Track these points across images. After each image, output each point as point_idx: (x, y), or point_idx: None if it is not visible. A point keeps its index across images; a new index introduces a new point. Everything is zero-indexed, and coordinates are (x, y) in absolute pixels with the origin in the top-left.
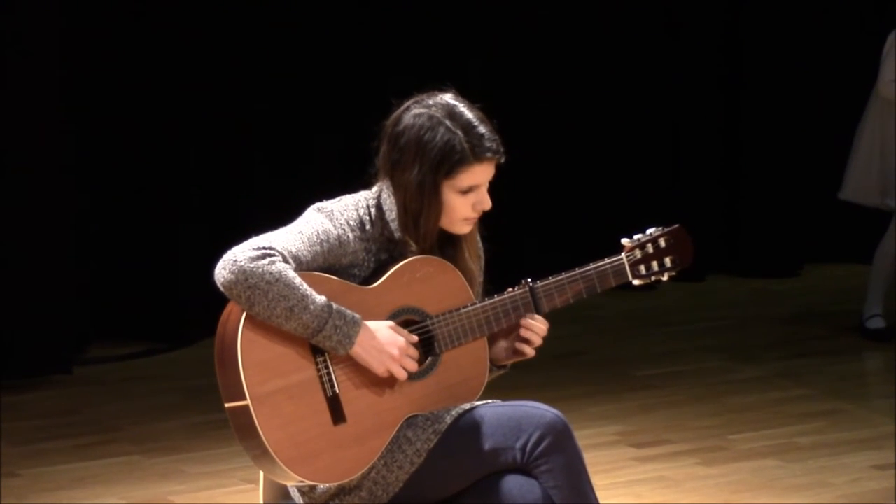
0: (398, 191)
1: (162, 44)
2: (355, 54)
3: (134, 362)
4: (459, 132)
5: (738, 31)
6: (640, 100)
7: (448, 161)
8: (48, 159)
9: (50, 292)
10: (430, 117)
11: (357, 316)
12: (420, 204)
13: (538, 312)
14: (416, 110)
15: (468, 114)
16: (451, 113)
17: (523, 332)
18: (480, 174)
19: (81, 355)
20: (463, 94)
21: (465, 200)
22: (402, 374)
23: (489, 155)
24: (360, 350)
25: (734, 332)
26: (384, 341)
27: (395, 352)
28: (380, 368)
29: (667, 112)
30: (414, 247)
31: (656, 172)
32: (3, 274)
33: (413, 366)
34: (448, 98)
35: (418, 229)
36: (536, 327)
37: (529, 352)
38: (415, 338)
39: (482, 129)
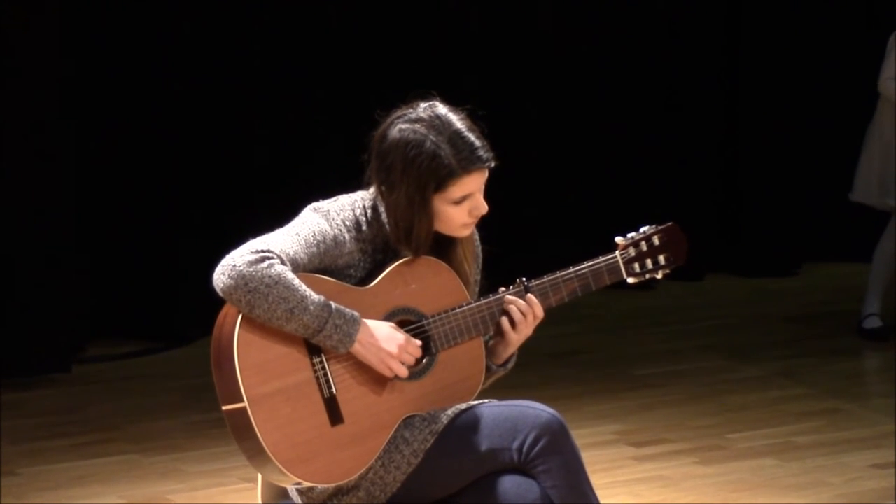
0: (389, 207)
1: (163, 46)
2: (355, 57)
3: (133, 361)
4: (445, 146)
5: (737, 29)
6: (639, 97)
7: (436, 177)
8: (47, 158)
9: (49, 292)
10: (415, 132)
11: (356, 314)
12: (410, 221)
13: None
14: (401, 125)
15: (454, 124)
16: (436, 125)
17: (505, 306)
18: (471, 184)
19: (80, 354)
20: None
21: (461, 209)
22: (402, 371)
23: (478, 165)
24: (360, 348)
25: (733, 331)
26: (383, 339)
27: (395, 349)
28: (380, 366)
29: (665, 110)
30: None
31: (654, 171)
32: (2, 274)
33: (413, 361)
34: (432, 108)
35: (410, 242)
36: (519, 303)
37: (507, 328)
38: (417, 342)
39: (469, 138)
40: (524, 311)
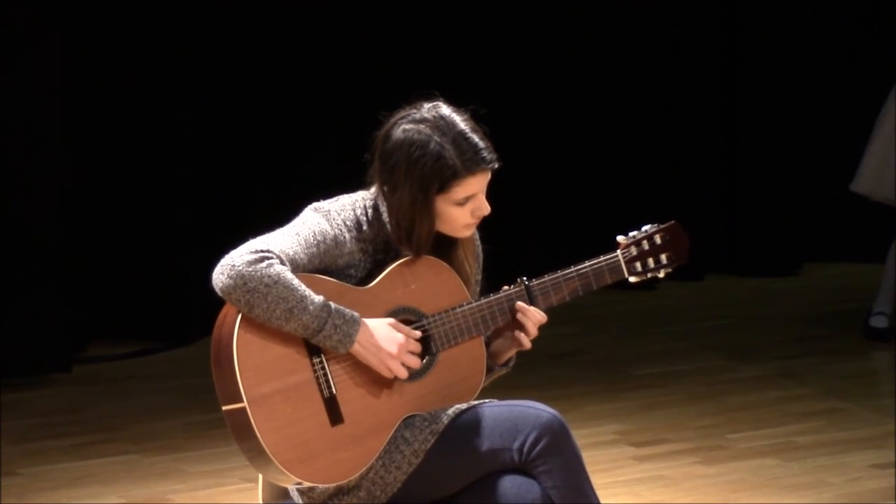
0: (390, 207)
1: (162, 47)
2: (356, 57)
3: (133, 361)
4: (450, 147)
5: (737, 29)
6: (638, 97)
7: (440, 178)
8: (46, 157)
9: (49, 292)
10: (419, 132)
11: (356, 314)
12: (412, 221)
13: None
14: (405, 126)
15: (458, 125)
16: (440, 126)
17: (519, 317)
18: (475, 185)
19: (81, 354)
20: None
21: (464, 210)
22: (402, 372)
23: (482, 166)
24: (360, 348)
25: (733, 331)
26: (383, 339)
27: (395, 349)
28: (380, 366)
29: (665, 109)
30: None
31: (654, 171)
32: (2, 273)
33: (414, 362)
34: (436, 109)
35: (411, 242)
36: (530, 311)
37: (526, 342)
38: (417, 333)
39: (473, 139)
40: (537, 323)
